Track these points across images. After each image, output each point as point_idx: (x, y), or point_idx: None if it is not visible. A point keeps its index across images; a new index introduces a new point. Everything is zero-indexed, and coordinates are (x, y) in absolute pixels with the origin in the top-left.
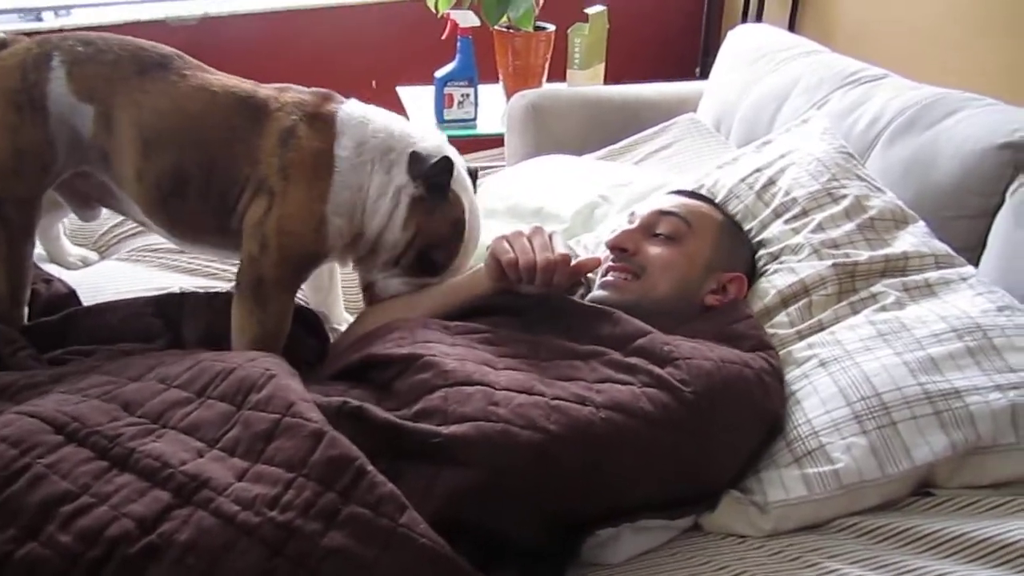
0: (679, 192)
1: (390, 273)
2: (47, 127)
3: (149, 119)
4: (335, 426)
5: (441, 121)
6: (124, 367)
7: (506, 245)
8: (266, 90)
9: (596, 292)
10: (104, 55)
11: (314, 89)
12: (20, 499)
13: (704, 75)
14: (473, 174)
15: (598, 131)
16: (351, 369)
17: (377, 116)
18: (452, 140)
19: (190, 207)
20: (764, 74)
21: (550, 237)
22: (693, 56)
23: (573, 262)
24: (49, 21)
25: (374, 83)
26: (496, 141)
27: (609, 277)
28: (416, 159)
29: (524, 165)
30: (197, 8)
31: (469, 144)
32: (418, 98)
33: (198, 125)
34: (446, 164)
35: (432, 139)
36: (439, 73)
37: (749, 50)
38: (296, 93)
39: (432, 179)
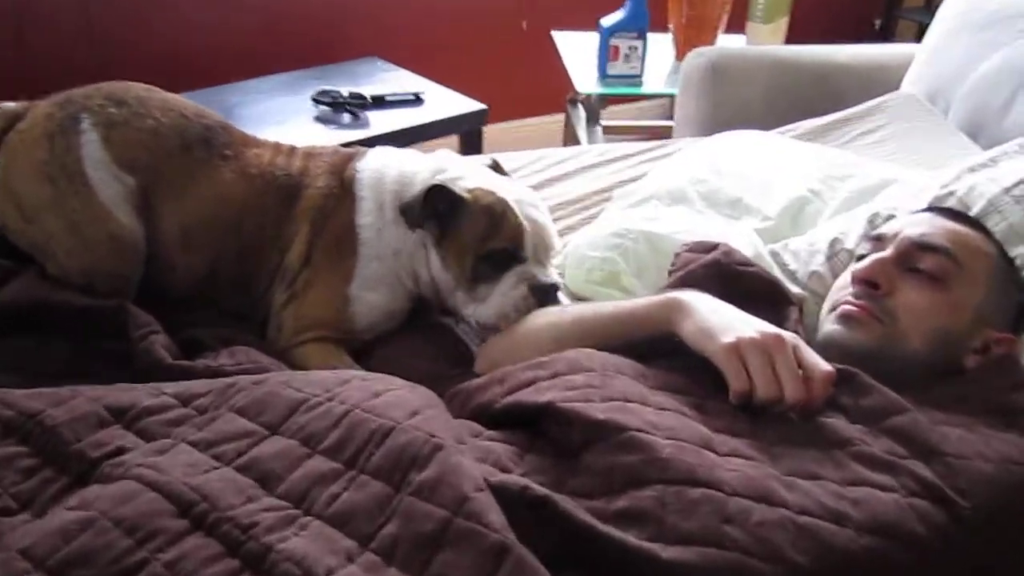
0: (938, 211)
1: (477, 296)
2: (94, 191)
3: (192, 210)
4: (511, 518)
5: (603, 76)
6: (261, 405)
7: (738, 363)
8: (299, 160)
9: (829, 327)
10: (142, 120)
11: (338, 149)
12: None
13: (884, 30)
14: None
15: (784, 98)
16: (518, 412)
17: (391, 162)
18: (614, 99)
19: (219, 291)
20: (1000, 44)
21: (795, 349)
22: (875, 9)
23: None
24: None
25: (524, 24)
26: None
27: (848, 307)
28: (405, 213)
29: (716, 143)
30: None
31: (630, 101)
32: (577, 46)
33: (237, 214)
34: (433, 195)
35: (425, 167)
36: (606, 21)
37: (979, 13)
38: (324, 159)
39: (427, 219)
